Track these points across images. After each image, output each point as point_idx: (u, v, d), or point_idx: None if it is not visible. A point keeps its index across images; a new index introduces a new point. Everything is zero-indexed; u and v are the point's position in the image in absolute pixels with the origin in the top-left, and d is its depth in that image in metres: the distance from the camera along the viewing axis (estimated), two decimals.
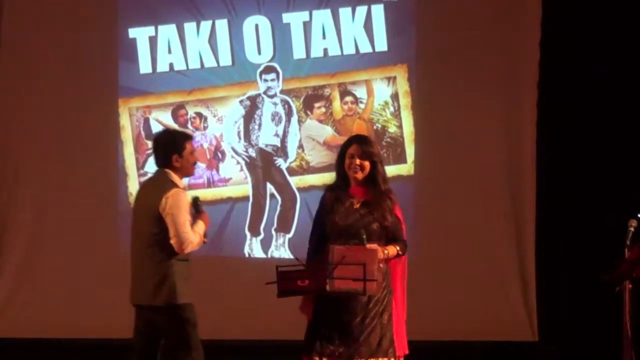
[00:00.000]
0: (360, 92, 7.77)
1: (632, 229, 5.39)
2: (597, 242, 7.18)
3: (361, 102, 7.78)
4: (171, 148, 5.11)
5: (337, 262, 4.79)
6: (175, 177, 5.11)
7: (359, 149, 5.04)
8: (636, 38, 7.56)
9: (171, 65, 7.73)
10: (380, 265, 4.91)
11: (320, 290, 4.79)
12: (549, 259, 7.72)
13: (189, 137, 5.22)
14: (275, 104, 7.76)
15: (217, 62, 7.72)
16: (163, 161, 5.14)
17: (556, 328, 7.67)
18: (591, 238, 7.39)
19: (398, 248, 5.02)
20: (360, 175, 5.04)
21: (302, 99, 7.78)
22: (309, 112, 7.78)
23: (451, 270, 7.66)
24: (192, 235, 5.04)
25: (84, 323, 7.48)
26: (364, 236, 4.89)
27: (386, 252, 4.96)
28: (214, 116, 7.76)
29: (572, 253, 7.57)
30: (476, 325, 7.57)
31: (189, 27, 7.70)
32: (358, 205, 5.06)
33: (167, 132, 5.62)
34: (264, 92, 7.75)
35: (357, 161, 5.02)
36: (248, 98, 7.75)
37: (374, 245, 4.92)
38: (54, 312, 7.55)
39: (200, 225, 5.13)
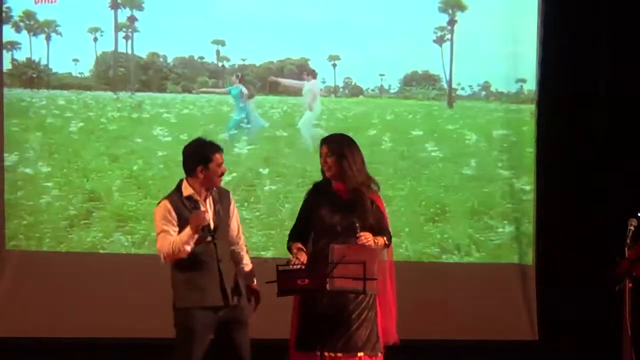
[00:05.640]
0: None
1: (632, 227, 5.42)
2: (597, 241, 7.18)
3: None
4: (197, 159, 5.07)
5: (337, 261, 4.81)
6: (187, 186, 5.09)
7: (324, 147, 5.20)
8: (636, 36, 7.56)
9: None
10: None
11: (321, 289, 4.81)
12: (549, 259, 7.72)
13: (218, 149, 5.12)
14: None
15: None
16: (188, 171, 5.12)
17: (556, 327, 7.66)
18: (591, 237, 7.39)
19: (385, 238, 5.15)
20: (329, 173, 5.19)
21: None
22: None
23: (451, 270, 7.66)
24: (162, 246, 5.00)
25: (84, 323, 7.46)
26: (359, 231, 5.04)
27: (376, 241, 5.08)
28: None
29: (572, 252, 7.57)
30: (476, 325, 7.56)
31: None
32: (341, 204, 5.16)
33: (196, 142, 5.25)
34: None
35: (323, 160, 5.18)
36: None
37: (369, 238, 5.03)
38: (53, 312, 7.53)
39: (183, 233, 4.98)
